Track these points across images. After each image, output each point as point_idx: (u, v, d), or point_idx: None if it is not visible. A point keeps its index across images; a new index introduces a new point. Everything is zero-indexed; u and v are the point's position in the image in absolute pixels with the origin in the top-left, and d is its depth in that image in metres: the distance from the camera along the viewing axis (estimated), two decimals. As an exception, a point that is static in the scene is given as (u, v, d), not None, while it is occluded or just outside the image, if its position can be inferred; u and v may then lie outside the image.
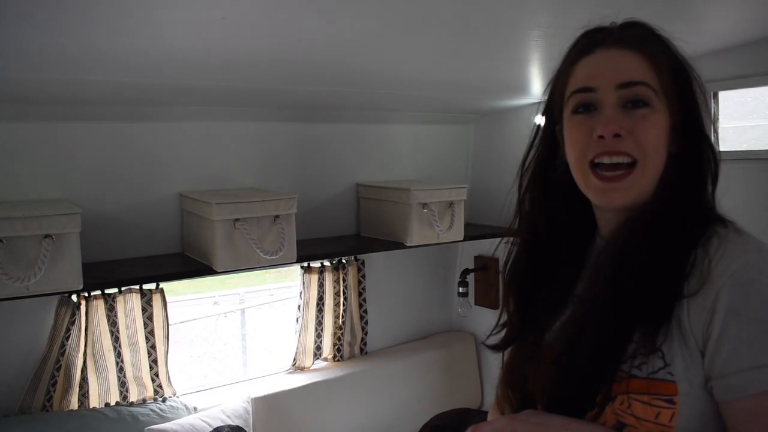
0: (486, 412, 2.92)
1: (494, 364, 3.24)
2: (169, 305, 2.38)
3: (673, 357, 0.83)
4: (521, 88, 2.63)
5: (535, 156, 1.09)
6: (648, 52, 0.92)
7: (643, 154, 0.91)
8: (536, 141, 1.10)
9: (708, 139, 0.96)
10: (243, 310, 6.65)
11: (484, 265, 3.21)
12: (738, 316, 0.80)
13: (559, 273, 1.05)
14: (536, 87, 2.62)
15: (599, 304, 0.90)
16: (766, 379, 0.78)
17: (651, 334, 0.84)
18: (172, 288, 2.40)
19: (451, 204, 2.65)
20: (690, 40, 0.98)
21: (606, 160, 0.92)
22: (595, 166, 0.93)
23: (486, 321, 3.31)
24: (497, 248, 1.18)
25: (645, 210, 0.93)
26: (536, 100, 2.84)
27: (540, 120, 1.11)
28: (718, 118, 2.19)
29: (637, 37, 0.94)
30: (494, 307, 3.19)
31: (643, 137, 0.91)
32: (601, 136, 0.91)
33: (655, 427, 0.84)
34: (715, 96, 2.18)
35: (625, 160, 0.91)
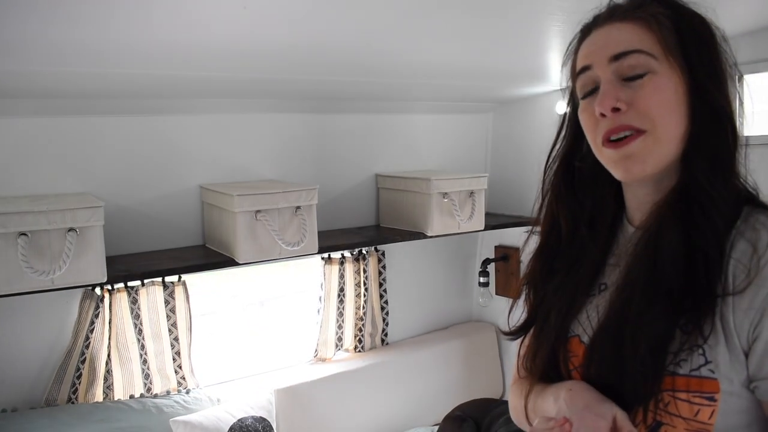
0: (508, 402, 2.90)
1: (515, 354, 3.23)
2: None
3: (716, 354, 0.81)
4: (541, 75, 2.60)
5: (561, 146, 1.07)
6: (643, 18, 0.89)
7: (651, 123, 0.87)
8: (562, 131, 1.07)
9: (727, 98, 0.89)
10: (262, 303, 6.70)
11: (504, 254, 3.20)
12: None
13: (582, 261, 1.03)
14: (556, 74, 2.58)
15: (640, 298, 0.87)
16: None
17: (695, 329, 0.81)
18: (190, 281, 2.41)
19: (471, 193, 2.63)
20: (718, 24, 0.95)
21: (613, 137, 0.89)
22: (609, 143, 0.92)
23: (507, 311, 3.29)
24: (527, 240, 1.13)
25: (672, 193, 0.89)
26: (556, 88, 2.81)
27: (565, 109, 1.09)
28: (743, 102, 2.15)
29: (632, 5, 0.91)
30: (515, 296, 3.15)
31: (644, 105, 0.87)
32: (602, 114, 0.89)
33: (694, 425, 0.82)
34: (741, 79, 2.14)
35: (627, 133, 0.88)
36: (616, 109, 0.88)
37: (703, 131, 0.88)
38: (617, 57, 0.88)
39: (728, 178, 0.88)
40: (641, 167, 0.89)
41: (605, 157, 0.92)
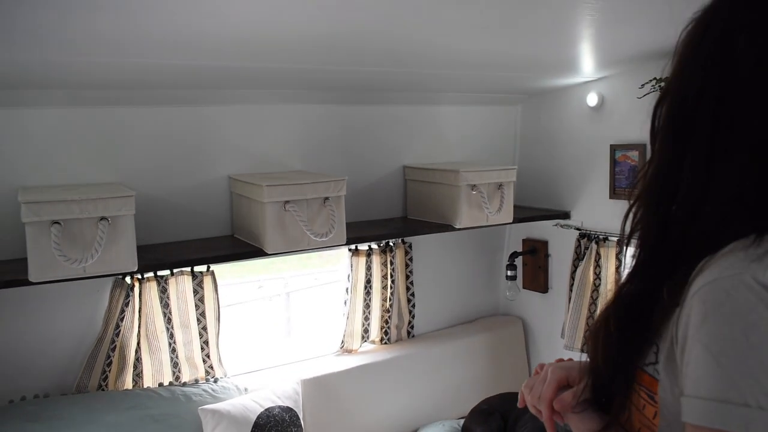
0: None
1: (542, 348, 3.22)
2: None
3: (662, 356, 0.77)
4: (572, 66, 2.56)
5: None
6: None
7: None
8: None
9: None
10: (288, 294, 6.74)
11: (533, 247, 3.16)
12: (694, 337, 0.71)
13: None
14: (587, 65, 2.55)
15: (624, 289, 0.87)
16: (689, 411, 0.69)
17: (650, 329, 0.80)
18: (219, 271, 2.42)
19: (500, 186, 2.61)
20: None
21: None
22: None
23: (534, 304, 3.30)
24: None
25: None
26: (588, 79, 2.77)
27: None
28: None
29: None
30: (543, 290, 3.15)
31: None
32: None
33: (643, 420, 0.81)
34: None
35: None
36: None
37: None
38: None
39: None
40: None
41: None
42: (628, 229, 0.87)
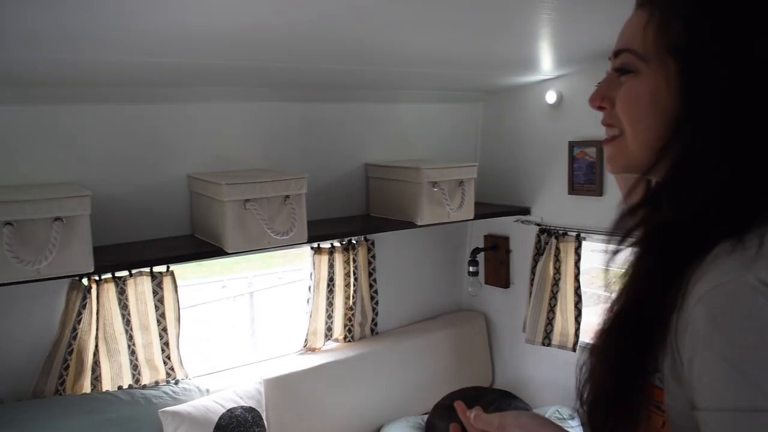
0: (497, 391, 2.93)
1: (504, 342, 3.26)
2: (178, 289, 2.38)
3: (665, 365, 0.74)
4: (531, 64, 2.59)
5: None
6: (651, 6, 0.79)
7: (621, 125, 0.82)
8: None
9: (722, 98, 0.72)
10: (251, 294, 6.69)
11: (494, 243, 3.20)
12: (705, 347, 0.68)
13: None
14: (546, 63, 2.58)
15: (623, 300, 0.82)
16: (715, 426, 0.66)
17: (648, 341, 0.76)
18: (179, 273, 2.39)
19: (461, 182, 2.63)
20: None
21: (606, 133, 0.87)
22: None
23: (496, 299, 3.33)
24: None
25: (647, 194, 0.82)
26: (546, 77, 2.80)
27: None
28: None
29: None
30: (504, 285, 3.18)
31: (618, 107, 0.82)
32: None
33: (650, 430, 0.79)
34: None
35: (614, 132, 0.84)
36: (601, 107, 0.85)
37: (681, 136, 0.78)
38: (615, 54, 0.83)
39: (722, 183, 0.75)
40: (612, 166, 0.87)
41: None
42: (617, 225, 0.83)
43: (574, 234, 2.77)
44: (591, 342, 0.88)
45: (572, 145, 2.75)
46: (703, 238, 0.72)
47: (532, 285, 2.92)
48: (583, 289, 2.81)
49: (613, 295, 0.84)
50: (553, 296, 2.86)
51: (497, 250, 3.19)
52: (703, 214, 0.73)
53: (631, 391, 0.78)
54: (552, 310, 2.87)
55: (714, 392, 0.65)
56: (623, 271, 0.83)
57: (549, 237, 2.85)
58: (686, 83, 0.75)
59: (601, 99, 0.84)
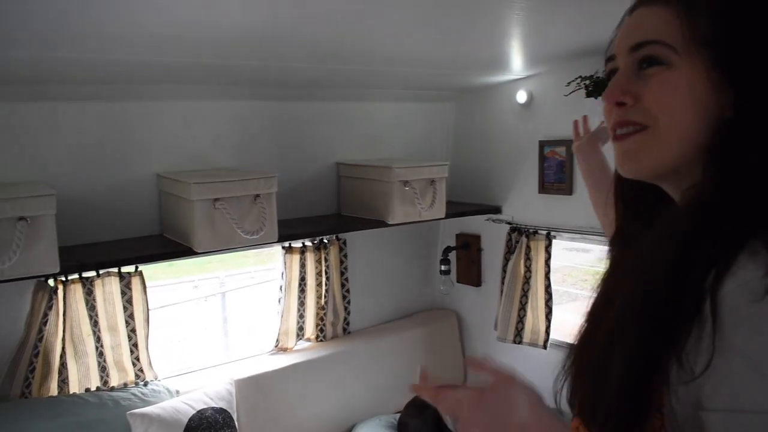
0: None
1: (476, 340, 3.27)
2: (148, 290, 2.34)
3: (670, 366, 0.72)
4: (502, 64, 2.61)
5: None
6: (674, 1, 0.77)
7: (653, 120, 0.77)
8: None
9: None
10: (223, 294, 6.64)
11: (465, 242, 3.21)
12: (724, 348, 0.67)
13: None
14: (516, 63, 2.60)
15: (628, 310, 0.78)
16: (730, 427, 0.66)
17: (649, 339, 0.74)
18: (150, 273, 2.36)
19: (432, 181, 2.64)
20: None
21: (618, 130, 0.81)
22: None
23: (468, 298, 3.35)
24: None
25: (689, 194, 0.77)
26: (517, 77, 2.82)
27: None
28: None
29: None
30: (476, 284, 3.20)
31: (649, 100, 0.77)
32: (617, 104, 0.81)
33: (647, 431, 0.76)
34: None
35: (628, 129, 0.80)
36: (621, 104, 0.80)
37: (730, 135, 0.75)
38: (635, 48, 0.79)
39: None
40: (635, 165, 0.81)
41: (614, 150, 0.85)
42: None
43: (545, 232, 2.79)
44: (578, 340, 0.87)
45: (542, 144, 2.78)
46: (737, 234, 0.70)
47: (503, 283, 2.94)
48: (553, 287, 2.84)
49: (613, 295, 0.82)
50: (524, 294, 2.88)
51: (469, 248, 3.21)
52: (740, 209, 0.71)
53: (640, 393, 0.75)
54: (523, 308, 2.89)
55: (732, 393, 0.64)
56: (629, 266, 0.81)
57: (520, 235, 2.87)
58: (727, 75, 0.74)
59: (623, 94, 0.80)
